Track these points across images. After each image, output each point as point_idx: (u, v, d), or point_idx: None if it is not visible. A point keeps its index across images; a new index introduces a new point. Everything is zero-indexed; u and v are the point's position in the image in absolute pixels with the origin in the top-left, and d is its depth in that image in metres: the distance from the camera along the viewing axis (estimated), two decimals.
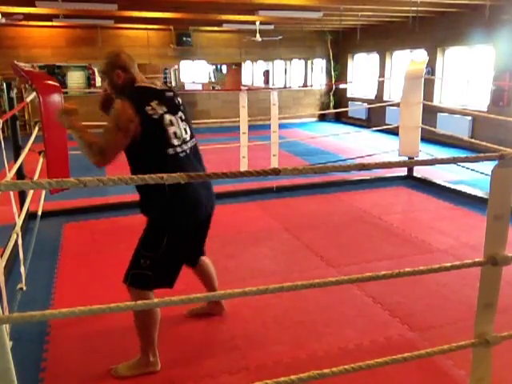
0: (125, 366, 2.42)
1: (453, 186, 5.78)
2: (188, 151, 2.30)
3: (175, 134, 2.24)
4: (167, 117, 2.22)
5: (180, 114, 2.32)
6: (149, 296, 2.28)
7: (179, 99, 2.38)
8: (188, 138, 2.32)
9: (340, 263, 3.70)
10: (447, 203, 5.31)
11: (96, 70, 12.15)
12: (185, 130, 2.31)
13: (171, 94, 2.35)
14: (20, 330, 2.70)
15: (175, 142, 2.23)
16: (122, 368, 2.41)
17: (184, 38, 12.28)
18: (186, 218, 2.30)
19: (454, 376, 2.36)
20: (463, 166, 5.70)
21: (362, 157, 6.95)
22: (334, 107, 13.39)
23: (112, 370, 2.41)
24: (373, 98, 12.02)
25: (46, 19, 9.86)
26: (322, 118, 13.86)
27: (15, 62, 5.96)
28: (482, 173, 5.14)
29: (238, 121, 5.89)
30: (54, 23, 10.05)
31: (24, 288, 2.84)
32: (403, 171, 6.38)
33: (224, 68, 17.90)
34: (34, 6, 7.53)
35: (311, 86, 14.06)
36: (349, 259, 3.79)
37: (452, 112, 8.96)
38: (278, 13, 8.90)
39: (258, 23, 10.13)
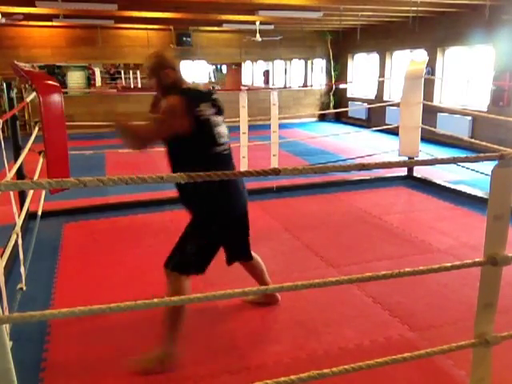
0: (145, 359, 2.43)
1: (453, 186, 5.78)
2: (228, 150, 2.49)
3: (220, 133, 2.41)
4: (214, 118, 2.39)
5: (221, 115, 2.48)
6: (186, 282, 2.43)
7: (219, 101, 2.51)
8: (227, 138, 2.49)
9: (340, 263, 3.70)
10: (447, 203, 5.31)
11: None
12: (225, 130, 2.48)
13: (214, 96, 2.49)
14: (20, 330, 2.71)
15: (220, 141, 2.40)
16: (142, 361, 2.42)
17: (184, 38, 12.28)
18: (229, 210, 2.50)
19: (454, 376, 2.36)
20: (463, 166, 5.70)
21: (362, 157, 6.95)
22: (334, 107, 13.39)
23: (133, 362, 2.41)
24: (373, 98, 12.02)
25: (46, 19, 9.87)
26: (322, 118, 13.86)
27: (15, 62, 5.96)
28: (482, 173, 5.14)
29: (238, 121, 5.89)
30: (54, 23, 10.06)
31: (24, 288, 2.84)
32: (403, 171, 6.38)
33: (224, 68, 17.89)
34: (34, 6, 7.54)
35: (311, 86, 14.06)
36: (349, 259, 3.78)
37: (452, 112, 8.96)
38: (278, 13, 8.90)
39: (257, 23, 10.13)
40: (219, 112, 2.46)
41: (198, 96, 2.40)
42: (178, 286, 2.41)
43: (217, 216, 2.46)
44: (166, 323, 2.43)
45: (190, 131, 2.28)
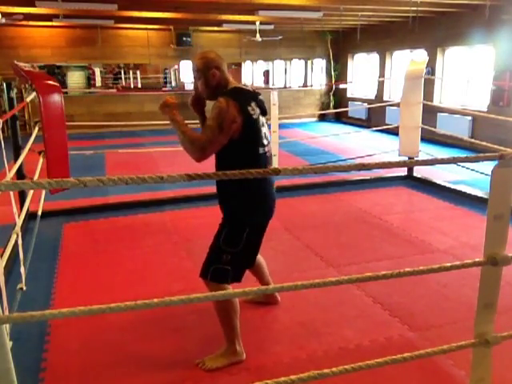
0: (212, 357, 2.45)
1: (453, 186, 5.78)
2: (270, 151, 2.46)
3: (265, 134, 2.41)
4: (260, 118, 2.38)
5: (265, 116, 2.47)
6: (226, 288, 2.39)
7: (264, 102, 2.49)
8: (269, 139, 2.48)
9: (340, 263, 3.70)
10: (447, 203, 5.31)
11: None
12: (267, 131, 2.47)
13: (261, 96, 2.47)
14: (20, 330, 2.71)
15: (265, 141, 2.40)
16: (210, 360, 2.43)
17: (184, 38, 12.28)
18: (262, 215, 2.47)
19: (454, 376, 2.36)
20: (463, 166, 5.70)
21: (361, 157, 6.94)
22: (334, 107, 13.40)
23: (199, 363, 2.43)
24: (373, 98, 12.02)
25: (45, 19, 9.87)
26: (322, 118, 13.86)
27: (15, 61, 5.96)
28: (482, 173, 5.14)
29: None
30: (54, 23, 10.06)
31: (24, 288, 2.84)
32: (403, 171, 6.38)
33: None
34: (34, 6, 7.54)
35: (311, 86, 14.06)
36: (349, 259, 3.78)
37: (452, 112, 8.96)
38: (278, 13, 8.90)
39: (257, 23, 10.13)
40: (264, 113, 2.44)
41: (247, 95, 2.37)
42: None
43: (248, 224, 2.41)
44: (222, 322, 2.45)
45: (239, 131, 2.26)
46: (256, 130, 2.34)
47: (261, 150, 2.36)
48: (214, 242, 2.44)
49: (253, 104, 2.32)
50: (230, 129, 2.22)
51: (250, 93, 2.41)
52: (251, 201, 2.39)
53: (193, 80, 2.48)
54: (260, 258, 2.90)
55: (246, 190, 2.32)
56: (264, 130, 2.40)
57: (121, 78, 12.34)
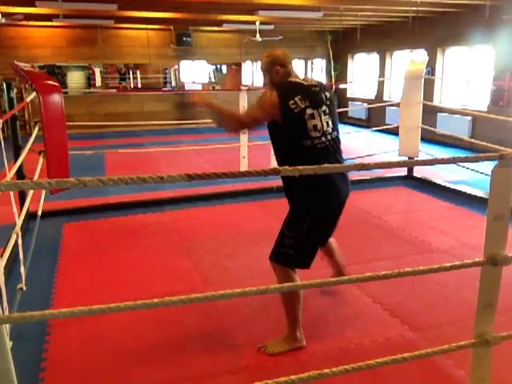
0: (274, 343, 2.55)
1: (453, 186, 5.78)
2: (327, 143, 2.46)
3: (315, 126, 2.42)
4: (308, 111, 2.40)
5: (324, 107, 2.48)
6: (292, 274, 2.50)
7: (327, 94, 2.54)
8: (330, 131, 2.48)
9: None
10: (447, 203, 5.31)
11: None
12: (327, 123, 2.47)
13: (317, 89, 2.51)
14: (20, 330, 2.71)
15: (314, 134, 2.41)
16: (272, 345, 2.54)
17: (184, 38, 12.28)
18: (325, 207, 2.51)
19: (454, 376, 2.36)
20: (463, 166, 5.70)
21: (361, 157, 6.93)
22: None
23: (261, 348, 2.54)
24: (373, 98, 12.01)
25: (46, 19, 9.87)
26: None
27: (15, 61, 5.96)
28: (482, 173, 5.14)
29: None
30: (54, 23, 10.06)
31: (24, 288, 2.84)
32: (403, 171, 6.38)
33: (224, 68, 17.89)
34: (34, 6, 7.54)
35: None
36: (349, 259, 3.77)
37: (452, 112, 8.96)
38: (277, 13, 8.90)
39: (257, 23, 10.13)
40: (320, 105, 2.46)
41: (295, 89, 2.45)
42: (284, 276, 2.48)
43: (310, 211, 2.48)
44: (286, 309, 2.55)
45: (281, 122, 2.39)
46: (300, 122, 2.39)
47: (308, 143, 2.40)
48: (281, 228, 2.56)
49: (298, 97, 2.39)
50: (268, 111, 2.40)
51: (300, 86, 2.47)
52: (313, 193, 2.45)
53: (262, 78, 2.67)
54: (332, 243, 3.06)
55: (309, 183, 2.37)
56: (315, 122, 2.41)
57: (129, 78, 12.30)
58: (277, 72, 2.53)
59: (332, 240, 3.05)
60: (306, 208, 2.49)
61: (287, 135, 2.45)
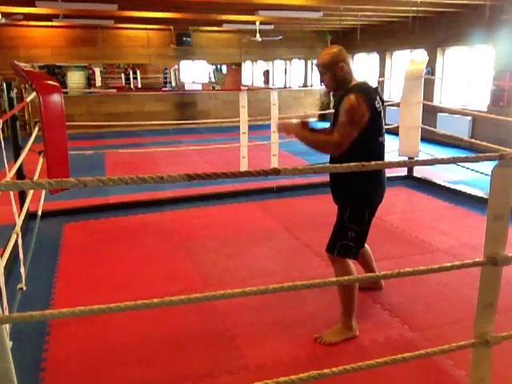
0: (329, 333, 2.65)
1: (453, 186, 5.78)
2: (385, 141, 2.64)
3: (383, 125, 2.60)
4: (381, 111, 2.55)
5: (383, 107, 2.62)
6: (351, 264, 2.64)
7: (382, 94, 2.65)
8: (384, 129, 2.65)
9: None
10: (447, 203, 5.31)
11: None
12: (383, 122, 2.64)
13: (379, 89, 2.64)
14: (20, 330, 2.71)
15: (383, 131, 2.60)
16: (327, 335, 2.63)
17: (184, 38, 12.28)
18: (376, 197, 2.66)
19: (454, 376, 2.36)
20: (463, 166, 5.70)
21: None
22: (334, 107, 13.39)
23: (318, 338, 2.62)
24: None
25: (45, 19, 9.87)
26: (323, 118, 13.85)
27: (15, 61, 5.96)
28: (482, 173, 5.14)
29: (238, 121, 5.89)
30: (54, 23, 10.06)
31: (24, 288, 2.84)
32: (403, 171, 6.38)
33: (224, 68, 17.91)
34: (34, 6, 7.53)
35: (311, 86, 14.06)
36: None
37: (452, 112, 8.96)
38: (277, 13, 8.90)
39: (257, 23, 10.13)
40: (383, 106, 2.59)
41: (372, 91, 2.54)
42: (345, 268, 2.60)
43: (369, 199, 2.61)
44: (343, 300, 2.65)
45: (367, 123, 2.44)
46: (379, 121, 2.52)
47: (380, 139, 2.57)
48: (339, 222, 2.65)
49: (378, 98, 2.51)
50: (360, 123, 2.41)
51: (372, 88, 2.57)
52: (370, 185, 2.57)
53: (319, 76, 2.68)
54: (369, 249, 3.13)
55: (365, 177, 2.47)
56: (382, 120, 2.58)
57: (136, 78, 12.29)
58: (341, 68, 2.54)
59: (367, 247, 3.09)
60: (364, 196, 2.59)
61: (368, 134, 2.48)
